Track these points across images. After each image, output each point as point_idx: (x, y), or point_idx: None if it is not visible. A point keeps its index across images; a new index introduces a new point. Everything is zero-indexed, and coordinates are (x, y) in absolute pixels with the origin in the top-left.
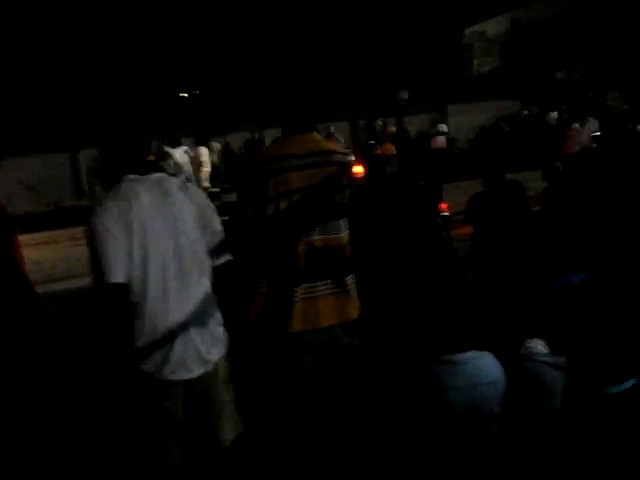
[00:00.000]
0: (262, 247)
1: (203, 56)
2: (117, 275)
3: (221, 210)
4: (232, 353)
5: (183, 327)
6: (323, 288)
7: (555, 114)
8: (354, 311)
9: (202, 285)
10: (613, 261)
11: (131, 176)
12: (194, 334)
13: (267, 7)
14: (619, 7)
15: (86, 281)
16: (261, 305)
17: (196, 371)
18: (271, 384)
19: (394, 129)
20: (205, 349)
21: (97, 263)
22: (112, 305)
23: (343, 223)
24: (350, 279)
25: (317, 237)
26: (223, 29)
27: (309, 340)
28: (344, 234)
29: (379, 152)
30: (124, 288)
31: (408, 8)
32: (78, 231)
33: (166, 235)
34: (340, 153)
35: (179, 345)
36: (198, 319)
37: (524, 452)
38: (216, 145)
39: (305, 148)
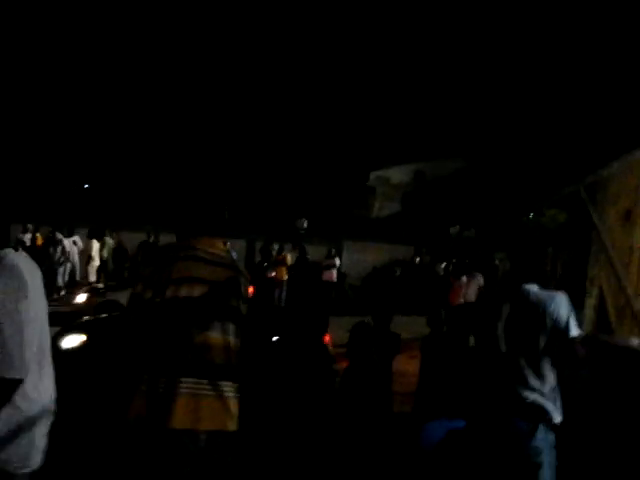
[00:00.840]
0: (150, 336)
1: (107, 147)
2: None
3: (101, 308)
4: None
5: (45, 415)
6: (203, 387)
7: (443, 265)
8: (230, 422)
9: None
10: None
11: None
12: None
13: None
14: (509, 172)
15: None
16: (141, 403)
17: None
18: None
19: (289, 255)
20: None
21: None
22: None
23: (234, 329)
24: (229, 386)
25: (208, 332)
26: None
27: (185, 442)
28: (233, 340)
29: (272, 275)
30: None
31: (321, 142)
32: None
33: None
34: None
35: (40, 434)
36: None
37: None
38: (110, 241)
39: (215, 248)
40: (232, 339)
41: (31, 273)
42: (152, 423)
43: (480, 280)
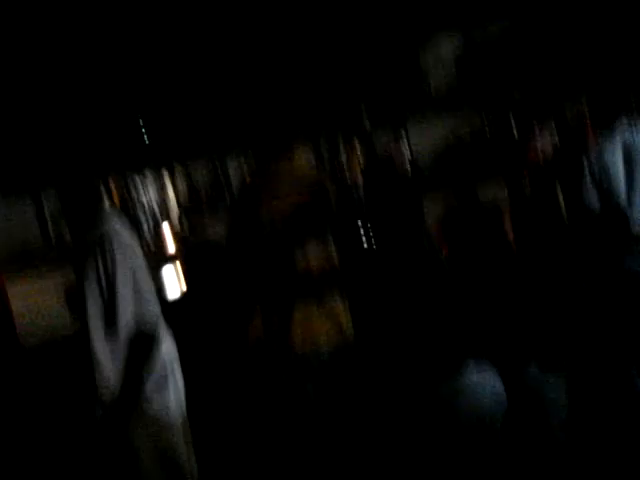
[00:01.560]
0: (256, 263)
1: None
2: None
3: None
4: None
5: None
6: (314, 307)
7: (513, 124)
8: (343, 335)
9: None
10: None
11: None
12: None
13: None
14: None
15: None
16: (259, 330)
17: None
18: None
19: (359, 152)
20: None
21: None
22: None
23: (331, 241)
24: (337, 300)
25: (309, 251)
26: None
27: (310, 362)
28: (333, 251)
29: (347, 175)
30: None
31: (367, 26)
32: None
33: None
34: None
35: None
36: None
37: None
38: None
39: (296, 161)
40: (333, 251)
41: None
42: (271, 348)
43: (554, 135)
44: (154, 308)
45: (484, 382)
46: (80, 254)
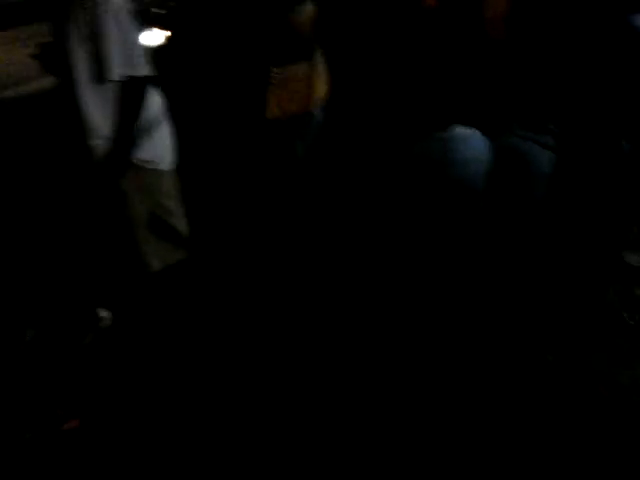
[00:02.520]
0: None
1: None
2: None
3: None
4: None
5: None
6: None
7: None
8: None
9: None
10: None
11: None
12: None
13: None
14: None
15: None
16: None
17: None
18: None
19: None
20: None
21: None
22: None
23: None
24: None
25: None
26: None
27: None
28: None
29: None
30: None
31: None
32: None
33: None
34: None
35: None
36: None
37: None
38: None
39: None
40: (308, 10)
41: None
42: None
43: None
44: (141, 60)
45: (468, 137)
46: (61, 4)
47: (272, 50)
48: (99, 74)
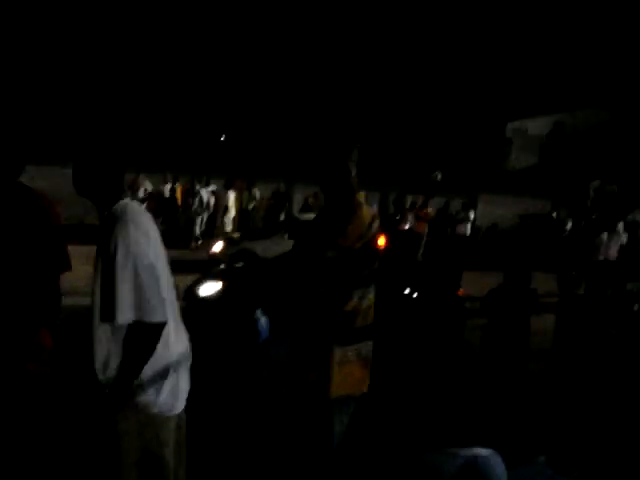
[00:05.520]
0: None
1: (242, 98)
2: (165, 314)
3: (237, 257)
4: None
5: (185, 359)
6: (350, 354)
7: (569, 222)
8: (365, 385)
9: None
10: None
11: (127, 199)
12: (187, 366)
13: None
14: None
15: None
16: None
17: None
18: None
19: (429, 210)
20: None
21: (138, 297)
22: (152, 345)
23: (373, 287)
24: (369, 346)
25: (355, 296)
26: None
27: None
28: (372, 298)
29: (405, 228)
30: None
31: (457, 91)
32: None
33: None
34: None
35: (183, 378)
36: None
37: None
38: (256, 193)
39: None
40: (372, 298)
41: (150, 222)
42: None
43: (623, 238)
44: (155, 306)
45: (487, 459)
46: (101, 230)
47: (336, 330)
48: (110, 314)
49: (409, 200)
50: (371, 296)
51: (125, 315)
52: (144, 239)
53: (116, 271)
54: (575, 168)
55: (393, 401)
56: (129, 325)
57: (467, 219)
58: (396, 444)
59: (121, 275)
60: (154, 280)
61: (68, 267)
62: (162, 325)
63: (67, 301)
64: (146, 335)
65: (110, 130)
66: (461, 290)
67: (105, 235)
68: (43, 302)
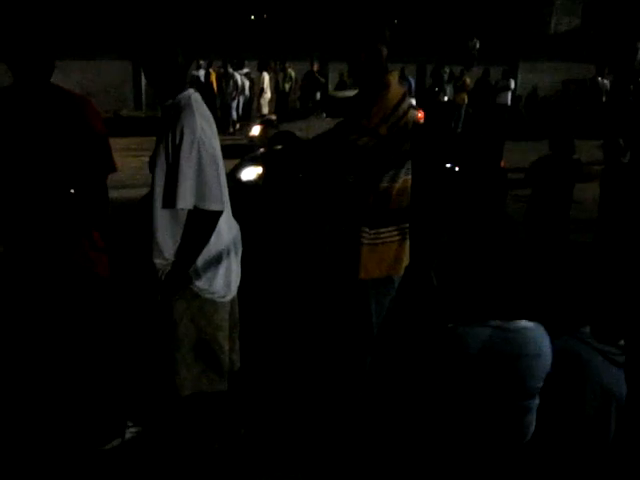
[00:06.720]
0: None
1: None
2: (223, 202)
3: (276, 139)
4: None
5: (236, 246)
6: (389, 234)
7: (607, 82)
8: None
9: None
10: None
11: (191, 90)
12: (238, 253)
13: None
14: None
15: (136, 192)
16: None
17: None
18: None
19: (468, 79)
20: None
21: (200, 184)
22: (209, 232)
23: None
24: (406, 228)
25: (392, 178)
26: None
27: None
28: (409, 179)
29: (445, 99)
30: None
31: None
32: (134, 142)
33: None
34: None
35: (235, 264)
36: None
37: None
38: (292, 72)
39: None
40: (406, 179)
41: (209, 112)
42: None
43: None
44: (216, 195)
45: (532, 332)
46: (164, 118)
47: (366, 212)
48: (171, 200)
49: (447, 71)
50: (405, 177)
51: (186, 201)
52: (209, 129)
53: (181, 158)
54: (623, 29)
55: (434, 276)
56: (189, 212)
57: (507, 88)
58: (436, 320)
59: (186, 163)
60: (216, 169)
61: (113, 169)
62: (219, 213)
63: (111, 194)
64: (204, 222)
65: (170, 19)
66: (503, 161)
67: (169, 123)
68: (93, 206)
